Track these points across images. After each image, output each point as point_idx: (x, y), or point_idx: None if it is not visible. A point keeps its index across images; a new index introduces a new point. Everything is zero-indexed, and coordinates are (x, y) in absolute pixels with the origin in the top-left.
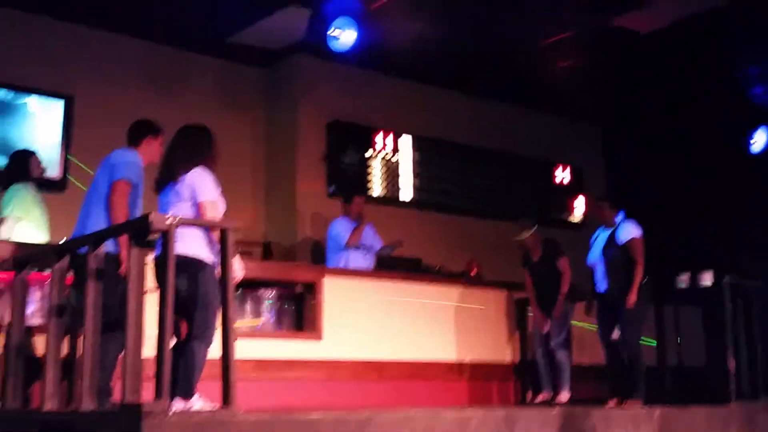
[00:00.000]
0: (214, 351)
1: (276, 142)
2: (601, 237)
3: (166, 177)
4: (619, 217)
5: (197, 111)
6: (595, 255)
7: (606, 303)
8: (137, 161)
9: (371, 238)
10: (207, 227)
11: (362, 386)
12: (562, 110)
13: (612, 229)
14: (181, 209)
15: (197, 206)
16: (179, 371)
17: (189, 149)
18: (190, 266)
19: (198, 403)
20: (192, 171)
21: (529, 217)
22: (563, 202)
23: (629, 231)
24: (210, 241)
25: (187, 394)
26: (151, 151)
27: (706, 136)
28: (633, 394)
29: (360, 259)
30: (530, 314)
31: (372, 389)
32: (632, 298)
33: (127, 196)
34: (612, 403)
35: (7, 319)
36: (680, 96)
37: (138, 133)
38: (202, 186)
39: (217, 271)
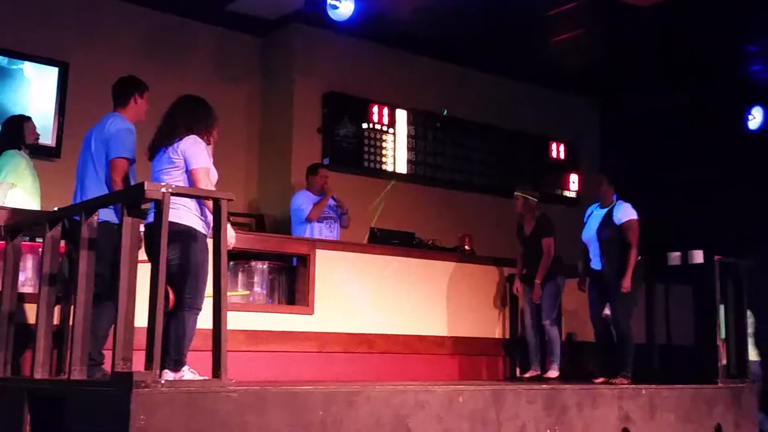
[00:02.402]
0: (206, 322)
1: (271, 113)
2: (595, 214)
3: (160, 143)
4: (615, 197)
5: (193, 80)
6: (589, 233)
7: (598, 280)
8: (132, 133)
9: (335, 209)
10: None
11: (353, 359)
12: (559, 85)
13: (608, 208)
14: (174, 177)
15: (189, 174)
16: (169, 341)
17: (186, 117)
18: (181, 235)
19: (188, 373)
20: (186, 138)
21: (531, 186)
22: (558, 178)
23: (626, 212)
24: (201, 211)
25: (177, 365)
26: (138, 109)
27: (703, 114)
28: (621, 371)
29: (325, 231)
30: (516, 290)
31: (363, 362)
32: (626, 282)
33: (126, 171)
34: (600, 380)
35: None
36: (678, 72)
37: (125, 91)
38: (195, 154)
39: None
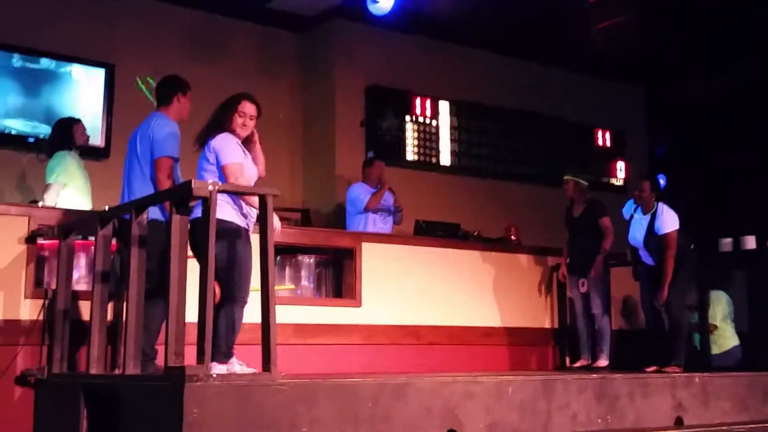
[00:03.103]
0: (255, 316)
1: (314, 108)
2: (637, 219)
3: (199, 144)
4: (658, 203)
5: (236, 77)
6: (636, 241)
7: (650, 271)
8: (175, 132)
9: (390, 202)
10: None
11: (400, 351)
12: (603, 72)
13: (650, 216)
14: (211, 174)
15: (221, 170)
16: (218, 334)
17: (214, 116)
18: (223, 232)
19: (236, 365)
20: (217, 137)
21: (582, 170)
22: (605, 166)
23: (666, 223)
24: (241, 207)
25: (226, 357)
26: (181, 108)
27: (753, 96)
28: (673, 360)
29: (379, 222)
30: (561, 277)
31: (410, 354)
32: (664, 295)
33: (171, 170)
34: (652, 368)
35: (53, 285)
36: (725, 55)
37: (168, 91)
38: (224, 150)
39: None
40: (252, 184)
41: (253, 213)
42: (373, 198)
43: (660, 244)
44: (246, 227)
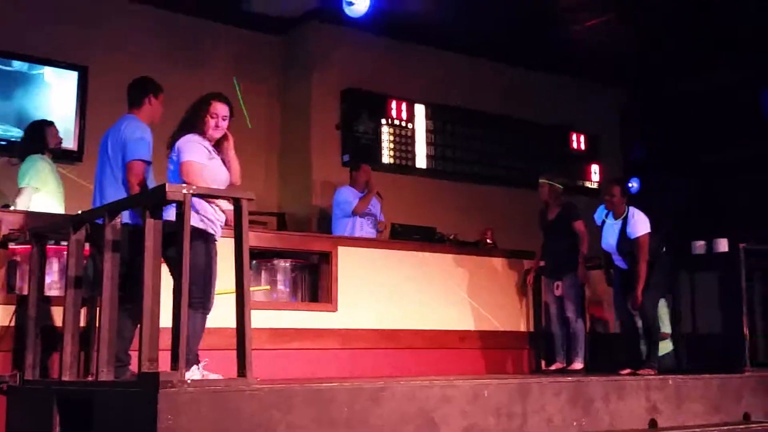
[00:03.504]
0: (230, 321)
1: (290, 111)
2: (609, 224)
3: (169, 146)
4: (629, 207)
5: (212, 80)
6: (609, 246)
7: (623, 274)
8: (147, 135)
9: (378, 208)
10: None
11: (377, 355)
12: (578, 74)
13: (621, 220)
14: (174, 177)
15: (178, 169)
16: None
17: (186, 118)
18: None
19: (197, 372)
20: (182, 137)
21: (558, 173)
22: (579, 169)
23: (637, 227)
24: (207, 211)
25: (188, 364)
26: (153, 111)
27: (729, 97)
28: (647, 362)
29: (366, 227)
30: (528, 282)
31: (387, 358)
32: (638, 299)
33: (143, 174)
34: (626, 371)
35: (25, 290)
36: (700, 57)
37: (139, 93)
38: (184, 148)
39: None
40: (223, 188)
41: (222, 218)
42: (361, 202)
43: (632, 247)
44: (211, 231)
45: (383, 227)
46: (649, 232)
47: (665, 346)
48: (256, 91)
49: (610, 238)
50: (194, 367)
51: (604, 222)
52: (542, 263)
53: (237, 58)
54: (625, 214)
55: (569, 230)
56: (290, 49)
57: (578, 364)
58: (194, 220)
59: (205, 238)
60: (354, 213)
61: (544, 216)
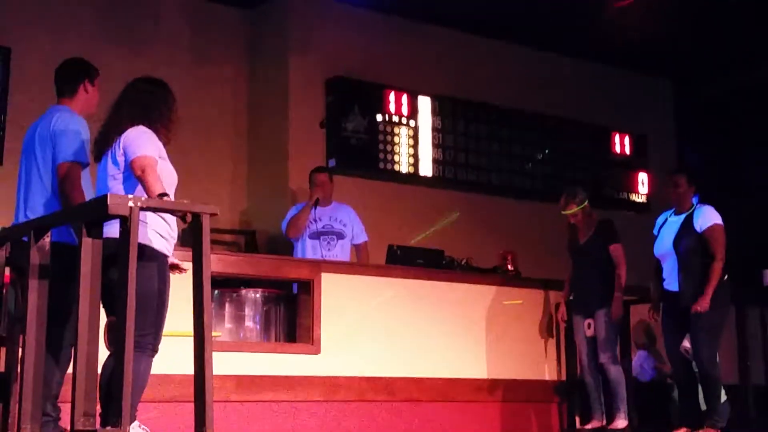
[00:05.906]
0: (188, 366)
1: (262, 104)
2: (670, 222)
3: (104, 142)
4: (695, 200)
5: (163, 64)
6: (664, 246)
7: (675, 305)
8: (83, 130)
9: (342, 222)
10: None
11: (369, 410)
12: (622, 62)
13: (686, 214)
14: (119, 184)
15: (129, 168)
16: (113, 389)
17: (133, 106)
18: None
19: (137, 430)
20: (129, 130)
21: (577, 187)
22: (623, 178)
23: (708, 216)
24: (160, 225)
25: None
26: (89, 99)
27: None
28: (708, 420)
29: (321, 250)
30: (560, 319)
31: (381, 414)
32: (706, 301)
33: (78, 179)
34: (682, 431)
35: None
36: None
37: (71, 78)
38: (135, 142)
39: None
40: (172, 192)
41: (176, 233)
42: (292, 223)
43: (697, 244)
44: (165, 252)
45: (363, 252)
46: (723, 225)
47: None
48: (218, 80)
49: (667, 237)
50: (135, 423)
51: (664, 225)
52: (572, 296)
53: (194, 36)
54: (692, 209)
55: (604, 255)
56: (261, 27)
57: (621, 422)
58: (150, 238)
59: (159, 259)
60: (288, 237)
61: (575, 238)
